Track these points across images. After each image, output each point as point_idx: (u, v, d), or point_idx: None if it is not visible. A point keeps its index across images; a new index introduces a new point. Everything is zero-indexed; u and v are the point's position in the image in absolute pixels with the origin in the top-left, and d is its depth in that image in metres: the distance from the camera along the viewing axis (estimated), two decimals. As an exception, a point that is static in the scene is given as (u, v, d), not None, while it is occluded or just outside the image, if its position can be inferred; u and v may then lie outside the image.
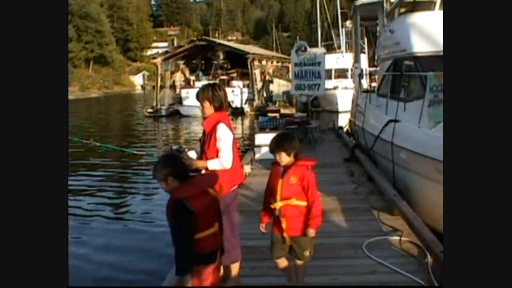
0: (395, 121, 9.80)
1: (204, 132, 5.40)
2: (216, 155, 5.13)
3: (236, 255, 5.41)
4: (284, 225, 4.78)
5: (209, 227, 4.18)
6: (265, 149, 13.95)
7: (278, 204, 4.75)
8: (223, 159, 5.11)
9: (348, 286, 5.26)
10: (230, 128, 5.30)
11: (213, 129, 5.19)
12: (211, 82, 6.07)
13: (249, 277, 5.77)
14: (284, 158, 4.76)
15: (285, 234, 4.81)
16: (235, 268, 5.46)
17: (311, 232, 4.69)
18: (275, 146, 4.83)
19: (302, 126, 17.10)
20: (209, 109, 5.30)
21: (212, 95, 5.26)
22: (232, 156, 5.16)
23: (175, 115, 43.63)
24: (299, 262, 5.01)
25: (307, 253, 4.89)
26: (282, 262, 5.07)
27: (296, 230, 4.78)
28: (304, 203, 4.72)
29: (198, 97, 5.33)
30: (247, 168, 11.86)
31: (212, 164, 5.11)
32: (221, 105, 5.31)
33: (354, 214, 8.33)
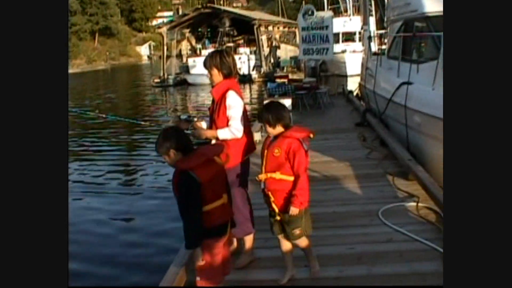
0: (408, 83, 9.54)
1: (213, 101, 5.21)
2: (227, 124, 4.93)
3: (248, 227, 5.25)
4: (271, 199, 4.54)
5: (217, 198, 4.01)
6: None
7: (262, 177, 4.51)
8: (233, 128, 4.91)
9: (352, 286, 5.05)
10: (240, 95, 5.09)
11: (223, 97, 4.98)
12: (219, 49, 5.83)
13: (263, 249, 5.62)
14: (269, 129, 4.49)
15: (274, 208, 4.57)
16: (248, 241, 5.32)
17: (292, 210, 4.40)
18: (258, 117, 4.59)
19: (311, 91, 16.94)
20: (217, 76, 5.08)
21: (220, 61, 5.03)
22: (242, 124, 4.96)
23: (183, 84, 43.65)
24: (296, 243, 4.76)
25: (296, 231, 4.58)
26: (282, 240, 4.83)
27: (282, 206, 4.51)
28: (290, 178, 4.42)
29: (205, 64, 5.11)
30: (257, 136, 11.69)
31: (223, 134, 4.92)
32: (230, 72, 5.09)
33: (368, 180, 8.12)
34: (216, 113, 5.01)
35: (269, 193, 4.53)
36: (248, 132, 5.14)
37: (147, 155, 15.71)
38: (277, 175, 4.43)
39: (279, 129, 4.46)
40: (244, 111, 5.08)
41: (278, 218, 4.60)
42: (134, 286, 6.10)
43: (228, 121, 4.93)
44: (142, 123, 12.06)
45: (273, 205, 4.55)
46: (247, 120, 5.13)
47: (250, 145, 5.20)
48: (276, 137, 4.49)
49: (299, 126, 4.67)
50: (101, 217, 10.44)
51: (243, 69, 42.24)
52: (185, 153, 3.92)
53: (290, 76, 22.36)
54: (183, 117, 5.08)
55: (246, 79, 40.75)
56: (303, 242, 4.75)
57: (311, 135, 4.54)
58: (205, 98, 32.88)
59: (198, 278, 4.13)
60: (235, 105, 4.95)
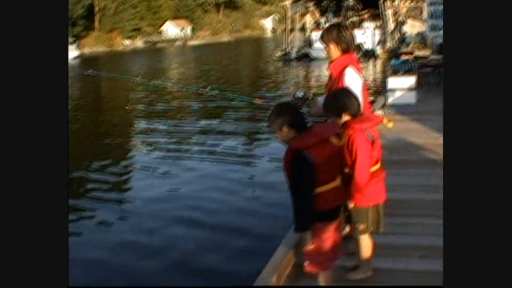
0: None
1: (330, 77, 4.96)
2: None
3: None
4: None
5: (330, 180, 3.79)
6: (398, 93, 13.37)
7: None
8: None
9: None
10: (360, 72, 4.80)
11: (341, 74, 4.72)
12: (336, 22, 5.51)
13: (377, 235, 5.34)
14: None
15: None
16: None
17: (349, 204, 4.15)
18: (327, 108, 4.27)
19: (437, 69, 16.16)
20: (334, 51, 4.80)
21: (337, 36, 4.73)
22: (362, 102, 4.67)
23: (305, 58, 43.52)
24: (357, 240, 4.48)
25: (360, 226, 4.32)
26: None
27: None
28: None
29: (322, 38, 4.84)
30: (378, 113, 11.35)
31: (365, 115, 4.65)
32: (348, 47, 4.78)
33: None
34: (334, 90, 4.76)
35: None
36: (367, 109, 4.85)
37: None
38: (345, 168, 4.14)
39: (345, 118, 4.11)
40: (364, 88, 4.80)
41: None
42: (136, 286, 6.11)
43: None
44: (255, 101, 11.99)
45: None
46: (366, 98, 4.84)
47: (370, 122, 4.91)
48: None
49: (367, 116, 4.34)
50: (222, 184, 10.74)
51: (367, 44, 41.43)
52: (298, 130, 3.73)
53: (416, 53, 21.57)
54: (299, 94, 4.85)
55: (370, 55, 39.99)
56: (365, 239, 4.48)
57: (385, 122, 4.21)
58: (327, 73, 32.43)
59: (306, 263, 3.99)
60: (353, 83, 4.67)
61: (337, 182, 3.84)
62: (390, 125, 4.62)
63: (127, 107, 23.10)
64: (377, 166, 4.34)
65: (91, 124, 20.32)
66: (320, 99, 5.07)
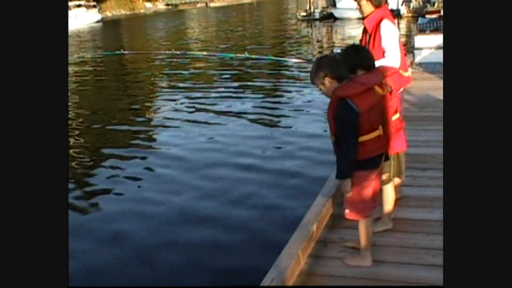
0: None
1: (364, 32, 5.00)
2: (383, 55, 4.71)
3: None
4: None
5: (373, 129, 3.86)
6: (426, 52, 13.32)
7: None
8: (391, 58, 4.68)
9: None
10: (395, 24, 4.84)
11: (377, 28, 4.75)
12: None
13: (411, 187, 5.48)
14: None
15: None
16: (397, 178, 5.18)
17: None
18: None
19: (465, 27, 15.99)
20: (367, 6, 4.84)
21: None
22: (400, 54, 4.73)
23: (329, 18, 43.18)
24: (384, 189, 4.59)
25: (383, 176, 4.40)
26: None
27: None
28: None
29: None
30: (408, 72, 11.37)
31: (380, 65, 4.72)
32: (380, 1, 4.82)
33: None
34: (371, 44, 4.79)
35: None
36: (404, 63, 4.90)
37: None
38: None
39: (360, 73, 4.03)
40: (400, 41, 4.84)
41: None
42: (139, 286, 6.23)
43: (384, 52, 4.71)
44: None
45: None
46: (404, 50, 4.88)
47: (406, 77, 4.98)
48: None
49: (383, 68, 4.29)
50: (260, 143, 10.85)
51: (391, 4, 40.68)
52: (340, 81, 3.79)
53: (442, 12, 21.25)
54: (337, 50, 4.90)
55: (394, 14, 39.20)
56: (389, 190, 4.60)
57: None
58: (352, 32, 32.35)
59: (347, 211, 4.07)
60: (391, 34, 4.72)
61: (379, 131, 3.91)
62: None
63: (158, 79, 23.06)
64: (396, 115, 4.49)
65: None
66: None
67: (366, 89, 3.74)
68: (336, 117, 3.76)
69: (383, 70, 4.16)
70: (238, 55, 16.66)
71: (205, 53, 26.60)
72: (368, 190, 4.00)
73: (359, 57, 4.09)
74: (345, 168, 3.81)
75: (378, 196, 4.24)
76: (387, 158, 4.18)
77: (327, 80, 3.79)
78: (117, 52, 24.06)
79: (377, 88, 3.84)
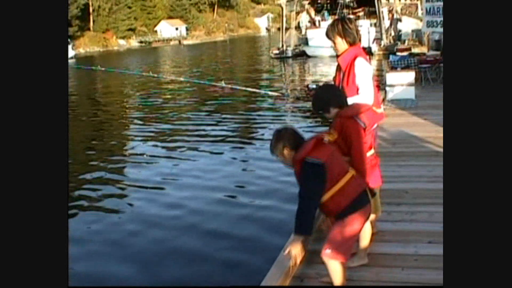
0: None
1: (338, 69, 5.10)
2: (356, 92, 4.81)
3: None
4: None
5: (346, 172, 3.93)
6: (397, 89, 13.52)
7: None
8: (365, 95, 4.77)
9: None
10: (369, 62, 4.95)
11: (351, 65, 4.85)
12: (340, 16, 5.65)
13: (385, 222, 5.52)
14: (327, 115, 4.42)
15: None
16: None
17: None
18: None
19: (435, 65, 16.36)
20: (342, 44, 4.95)
21: (343, 29, 4.88)
22: (373, 91, 4.83)
23: (301, 56, 43.71)
24: None
25: (372, 216, 4.53)
26: None
27: None
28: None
29: (327, 34, 4.98)
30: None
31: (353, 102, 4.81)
32: (354, 39, 4.94)
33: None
34: (345, 82, 4.89)
35: None
36: (377, 100, 5.00)
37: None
38: None
39: (334, 111, 4.31)
40: (373, 78, 4.95)
41: None
42: (139, 286, 6.21)
43: (357, 89, 4.80)
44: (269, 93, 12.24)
45: None
46: (377, 88, 4.98)
47: (379, 114, 5.08)
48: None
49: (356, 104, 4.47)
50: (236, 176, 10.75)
51: (363, 42, 41.40)
52: (297, 148, 3.92)
53: (412, 50, 21.73)
54: (312, 86, 4.99)
55: (366, 52, 39.92)
56: (366, 225, 4.50)
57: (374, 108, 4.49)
58: (324, 70, 32.80)
59: (328, 251, 3.97)
60: (365, 72, 4.82)
61: (351, 172, 3.98)
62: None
63: (128, 101, 23.19)
64: (371, 152, 4.56)
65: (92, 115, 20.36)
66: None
67: (316, 142, 3.86)
68: (304, 178, 3.86)
69: (356, 107, 4.26)
70: (215, 84, 17.08)
71: (182, 78, 27.07)
72: (355, 233, 4.03)
73: (332, 95, 4.27)
74: (308, 224, 3.84)
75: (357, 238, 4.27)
76: (373, 194, 4.22)
77: (285, 151, 3.93)
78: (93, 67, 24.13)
79: (325, 136, 3.95)
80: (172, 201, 9.72)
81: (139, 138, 16.01)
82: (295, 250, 3.87)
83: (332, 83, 5.23)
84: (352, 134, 4.23)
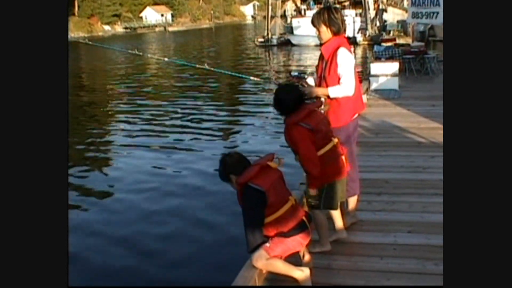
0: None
1: (321, 58, 5.09)
2: (338, 81, 4.82)
3: (354, 187, 5.18)
4: None
5: (285, 202, 4.04)
6: (381, 79, 13.55)
7: None
8: (345, 86, 4.79)
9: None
10: (351, 52, 4.95)
11: (333, 55, 4.85)
12: (326, 5, 5.65)
13: (365, 211, 5.55)
14: None
15: None
16: (352, 202, 5.26)
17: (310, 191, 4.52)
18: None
19: (419, 56, 16.42)
20: (326, 33, 4.95)
21: (329, 18, 4.88)
22: (354, 82, 4.83)
23: (286, 44, 43.71)
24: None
25: (312, 202, 4.59)
26: None
27: None
28: None
29: (313, 21, 4.98)
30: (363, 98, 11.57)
31: (334, 91, 4.81)
32: (339, 28, 4.94)
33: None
34: (327, 71, 4.90)
35: None
36: (358, 90, 5.02)
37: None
38: None
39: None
40: (355, 69, 4.95)
41: None
42: (139, 286, 6.20)
43: (339, 79, 4.81)
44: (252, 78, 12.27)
45: None
46: (357, 79, 4.99)
47: (360, 104, 5.10)
48: None
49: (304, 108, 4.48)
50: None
51: (348, 32, 41.50)
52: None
53: (397, 41, 21.78)
54: (294, 73, 4.97)
55: (350, 42, 39.95)
56: (317, 215, 4.65)
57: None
58: (308, 58, 32.82)
59: (267, 244, 4.03)
60: (347, 62, 4.82)
61: (291, 201, 4.09)
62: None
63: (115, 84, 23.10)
64: (328, 147, 4.49)
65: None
66: (310, 79, 5.26)
67: (261, 168, 3.97)
68: (246, 202, 3.96)
69: (301, 114, 4.37)
70: (198, 66, 17.10)
71: (166, 59, 27.08)
72: (292, 250, 4.13)
73: (290, 98, 4.42)
74: (257, 241, 3.95)
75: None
76: (310, 220, 4.26)
77: (233, 178, 4.06)
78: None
79: (270, 163, 4.07)
80: (156, 190, 9.68)
81: (123, 126, 15.95)
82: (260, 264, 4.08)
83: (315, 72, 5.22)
84: (297, 141, 4.34)
